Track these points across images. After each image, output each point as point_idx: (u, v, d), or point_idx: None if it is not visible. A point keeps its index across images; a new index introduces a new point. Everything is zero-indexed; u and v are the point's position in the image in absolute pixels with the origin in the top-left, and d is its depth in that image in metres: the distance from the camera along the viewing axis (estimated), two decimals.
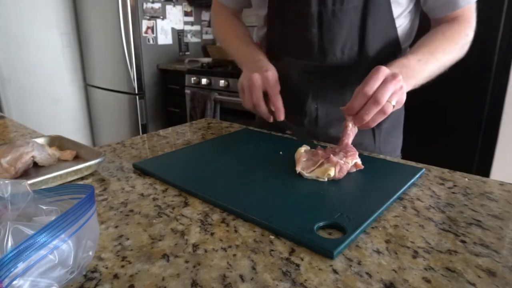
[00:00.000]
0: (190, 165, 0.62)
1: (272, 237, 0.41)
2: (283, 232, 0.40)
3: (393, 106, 0.56)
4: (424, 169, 0.58)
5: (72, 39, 3.02)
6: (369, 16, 0.70)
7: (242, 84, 0.71)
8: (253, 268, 0.35)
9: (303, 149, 0.60)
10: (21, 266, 0.27)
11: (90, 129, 3.32)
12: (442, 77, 0.69)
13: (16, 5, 2.67)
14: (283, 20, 0.77)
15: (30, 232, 0.28)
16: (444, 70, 0.69)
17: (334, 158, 0.54)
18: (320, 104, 0.79)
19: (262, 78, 0.67)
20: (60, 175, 0.54)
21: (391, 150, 0.84)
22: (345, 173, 0.54)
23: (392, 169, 0.59)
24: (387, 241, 0.39)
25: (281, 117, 0.67)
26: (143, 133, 2.71)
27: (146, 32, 2.63)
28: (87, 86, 3.16)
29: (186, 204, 0.49)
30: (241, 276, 0.34)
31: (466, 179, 0.56)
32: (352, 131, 0.60)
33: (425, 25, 0.77)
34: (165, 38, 2.78)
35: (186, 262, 0.36)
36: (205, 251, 0.38)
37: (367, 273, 0.34)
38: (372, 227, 0.42)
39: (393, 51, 0.75)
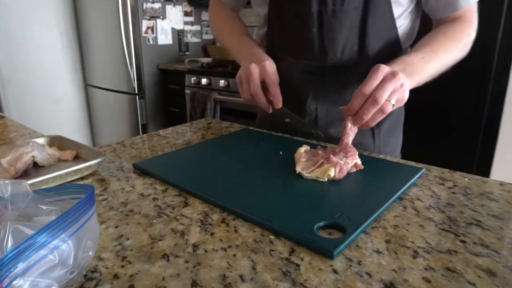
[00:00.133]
0: (190, 165, 0.62)
1: (272, 237, 0.41)
2: (283, 232, 0.40)
3: (393, 105, 0.56)
4: (424, 169, 0.58)
5: (72, 39, 3.02)
6: (369, 16, 0.70)
7: (240, 76, 0.70)
8: (253, 268, 0.35)
9: (303, 149, 0.60)
10: (21, 266, 0.27)
11: (90, 129, 3.32)
12: (442, 77, 0.69)
13: (16, 5, 2.67)
14: (283, 20, 0.77)
15: (30, 232, 0.28)
16: (446, 69, 0.69)
17: (334, 159, 0.54)
18: (320, 104, 0.79)
19: (259, 67, 0.67)
20: (60, 175, 0.54)
21: (391, 150, 0.84)
22: (345, 173, 0.54)
23: (392, 169, 0.59)
24: (387, 241, 0.39)
25: (279, 104, 0.68)
26: (143, 133, 2.71)
27: (146, 32, 2.63)
28: (87, 86, 3.16)
29: (186, 204, 0.49)
30: (241, 276, 0.34)
31: (466, 179, 0.56)
32: (352, 130, 0.60)
33: (426, 25, 0.77)
34: (165, 38, 2.78)
35: (186, 262, 0.36)
36: (205, 251, 0.38)
37: (367, 273, 0.34)
38: (372, 227, 0.42)
39: (393, 51, 0.76)
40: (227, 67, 2.37)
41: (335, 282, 0.33)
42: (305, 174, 0.54)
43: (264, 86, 0.68)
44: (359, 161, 0.57)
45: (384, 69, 0.56)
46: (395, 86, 0.55)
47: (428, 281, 0.33)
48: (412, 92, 0.62)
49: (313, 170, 0.54)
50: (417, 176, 0.55)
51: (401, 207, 0.47)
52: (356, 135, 0.61)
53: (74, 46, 3.04)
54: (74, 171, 0.56)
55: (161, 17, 2.72)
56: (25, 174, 0.58)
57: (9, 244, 0.27)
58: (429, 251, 0.38)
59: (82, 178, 0.58)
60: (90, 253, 0.33)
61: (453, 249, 0.38)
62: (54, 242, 0.29)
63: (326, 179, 0.53)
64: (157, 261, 0.36)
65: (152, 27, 2.67)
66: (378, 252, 0.38)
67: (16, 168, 0.55)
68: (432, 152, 1.45)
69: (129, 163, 0.64)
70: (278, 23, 0.79)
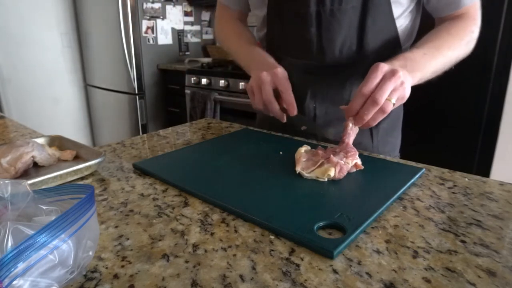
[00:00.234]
0: (190, 165, 0.62)
1: (272, 237, 0.41)
2: (283, 232, 0.40)
3: (394, 104, 0.56)
4: (424, 169, 0.58)
5: (72, 39, 3.02)
6: (368, 16, 0.70)
7: (251, 86, 0.69)
8: (253, 268, 0.35)
9: (303, 149, 0.60)
10: (21, 266, 0.27)
11: (90, 129, 3.32)
12: (442, 76, 0.69)
13: (15, 5, 2.67)
14: (282, 20, 0.77)
15: (30, 232, 0.28)
16: (450, 66, 0.69)
17: (334, 159, 0.54)
18: (319, 103, 0.79)
19: (271, 75, 0.66)
20: (60, 175, 0.54)
21: (390, 150, 0.84)
22: (345, 173, 0.54)
23: (392, 169, 0.59)
24: (387, 241, 0.39)
25: (294, 112, 0.65)
26: (143, 133, 2.71)
27: (146, 32, 2.63)
28: (87, 86, 3.16)
29: (186, 204, 0.49)
30: (241, 276, 0.34)
31: (466, 179, 0.56)
32: (352, 130, 0.60)
33: (426, 25, 0.77)
34: (165, 38, 2.78)
35: (186, 262, 0.36)
36: (205, 251, 0.38)
37: (367, 273, 0.34)
38: (372, 227, 0.42)
39: (393, 51, 0.75)
40: (227, 67, 2.37)
41: (335, 282, 0.33)
42: (305, 174, 0.54)
43: (277, 94, 0.66)
44: (359, 161, 0.57)
45: (383, 68, 0.56)
46: (395, 85, 0.55)
47: (428, 281, 0.33)
48: (412, 92, 0.62)
49: (313, 170, 0.54)
50: (417, 176, 0.55)
51: (401, 207, 0.47)
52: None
53: (74, 46, 3.04)
54: (74, 171, 0.56)
55: (161, 17, 2.72)
56: (25, 174, 0.58)
57: (9, 244, 0.27)
58: (429, 251, 0.38)
59: (82, 178, 0.58)
60: (90, 253, 0.33)
61: (453, 249, 0.38)
62: (54, 242, 0.29)
63: (326, 179, 0.53)
64: (157, 261, 0.36)
65: (152, 27, 2.67)
66: (378, 252, 0.37)
67: (16, 168, 0.55)
68: (432, 152, 1.45)
69: (129, 163, 0.64)
70: (278, 23, 0.79)
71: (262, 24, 0.84)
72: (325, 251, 0.37)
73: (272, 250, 0.38)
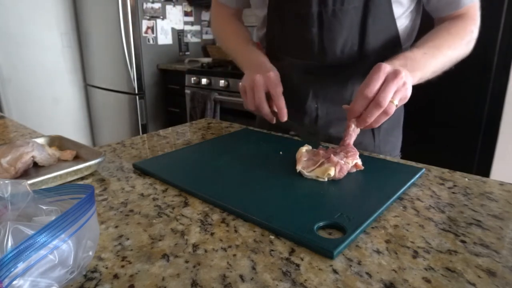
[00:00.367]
0: (190, 165, 0.62)
1: (272, 237, 0.41)
2: (283, 232, 0.40)
3: (396, 105, 0.56)
4: (424, 169, 0.58)
5: (72, 39, 3.02)
6: (369, 16, 0.70)
7: (244, 86, 0.70)
8: (253, 268, 0.35)
9: (304, 148, 0.60)
10: (21, 266, 0.27)
11: (90, 129, 3.32)
12: (442, 76, 0.69)
13: (15, 5, 2.67)
14: (283, 20, 0.77)
15: (30, 232, 0.28)
16: (450, 66, 0.69)
17: (335, 158, 0.54)
18: (320, 103, 0.79)
19: (264, 78, 0.67)
20: (60, 175, 0.54)
21: (391, 149, 0.84)
22: (345, 173, 0.54)
23: (392, 169, 0.59)
24: (387, 241, 0.39)
25: (284, 118, 0.66)
26: (143, 133, 2.71)
27: (146, 32, 2.63)
28: (87, 86, 3.16)
29: (186, 204, 0.49)
30: (241, 276, 0.34)
31: (466, 179, 0.56)
32: (354, 131, 0.60)
33: (426, 25, 0.77)
34: (165, 38, 2.78)
35: (186, 262, 0.36)
36: (205, 251, 0.38)
37: (367, 273, 0.34)
38: (372, 227, 0.42)
39: (394, 50, 0.75)
40: (227, 67, 2.37)
41: (335, 282, 0.33)
42: (306, 173, 0.54)
43: (269, 96, 0.67)
44: (359, 161, 0.57)
45: (386, 68, 0.56)
46: (398, 86, 0.55)
47: (428, 281, 0.33)
48: (412, 92, 0.62)
49: (313, 169, 0.54)
50: (417, 176, 0.55)
51: (401, 207, 0.47)
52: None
53: (74, 46, 3.04)
54: (74, 171, 0.56)
55: (161, 17, 2.72)
56: (25, 174, 0.58)
57: (9, 244, 0.27)
58: (429, 251, 0.38)
59: (82, 178, 0.58)
60: (90, 253, 0.33)
61: (453, 249, 0.38)
62: (54, 242, 0.29)
63: (326, 179, 0.53)
64: (157, 261, 0.36)
65: (152, 27, 2.67)
66: (378, 252, 0.37)
67: (16, 168, 0.55)
68: (432, 152, 1.45)
69: (129, 163, 0.64)
70: (278, 23, 0.79)
71: (262, 24, 0.84)
72: (325, 251, 0.37)
73: (272, 250, 0.38)
